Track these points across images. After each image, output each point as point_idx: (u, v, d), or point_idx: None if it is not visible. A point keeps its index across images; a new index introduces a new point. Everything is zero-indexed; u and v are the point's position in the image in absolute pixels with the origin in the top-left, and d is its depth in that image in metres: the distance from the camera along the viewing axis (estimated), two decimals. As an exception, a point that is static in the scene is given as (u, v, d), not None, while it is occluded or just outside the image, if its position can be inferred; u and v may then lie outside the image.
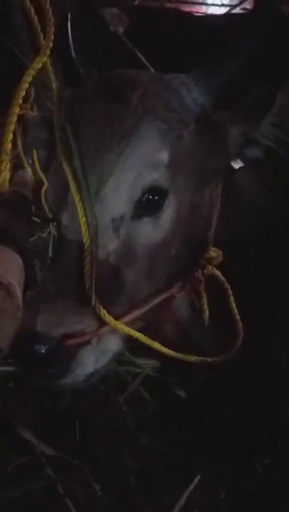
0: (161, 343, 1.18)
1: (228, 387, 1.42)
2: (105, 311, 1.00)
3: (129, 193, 1.00)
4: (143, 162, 0.99)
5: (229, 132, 1.12)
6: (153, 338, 1.15)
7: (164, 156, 1.02)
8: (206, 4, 10.89)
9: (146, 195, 1.02)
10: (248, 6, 9.43)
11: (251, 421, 1.46)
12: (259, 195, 1.29)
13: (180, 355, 1.18)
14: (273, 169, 1.19)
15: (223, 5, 10.72)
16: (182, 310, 1.27)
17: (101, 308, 0.99)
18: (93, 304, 0.98)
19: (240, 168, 1.16)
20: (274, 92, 1.08)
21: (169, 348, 1.20)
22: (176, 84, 1.08)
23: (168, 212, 1.06)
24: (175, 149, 1.04)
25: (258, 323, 1.30)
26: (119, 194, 0.99)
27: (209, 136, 1.10)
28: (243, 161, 1.14)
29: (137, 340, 1.09)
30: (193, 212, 1.12)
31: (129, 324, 1.05)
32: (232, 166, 1.15)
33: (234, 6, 9.65)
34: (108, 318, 1.00)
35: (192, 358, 1.20)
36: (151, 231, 1.05)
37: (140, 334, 1.09)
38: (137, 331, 1.09)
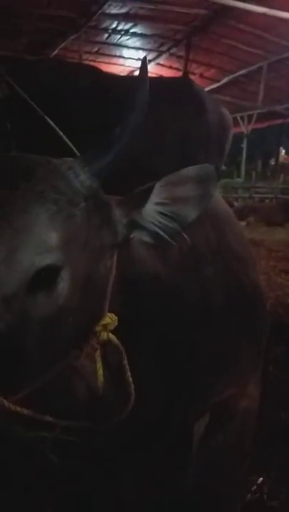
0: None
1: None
2: None
3: (20, 274, 1.02)
4: (34, 245, 1.02)
5: (114, 212, 1.17)
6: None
7: (54, 236, 1.05)
8: (123, 57, 14.35)
9: (39, 274, 1.04)
10: (162, 61, 13.13)
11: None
12: (153, 261, 1.35)
13: (69, 423, 1.21)
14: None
15: (139, 59, 14.27)
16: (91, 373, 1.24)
17: None
18: None
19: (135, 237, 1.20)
20: (150, 188, 1.16)
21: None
22: (64, 168, 1.12)
23: (62, 287, 1.08)
24: (66, 228, 1.07)
25: (156, 388, 1.35)
26: (9, 275, 1.01)
27: (98, 214, 1.15)
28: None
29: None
30: (88, 283, 1.15)
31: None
32: (127, 238, 1.19)
33: (149, 61, 13.26)
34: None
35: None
36: (45, 305, 1.07)
37: (30, 411, 1.11)
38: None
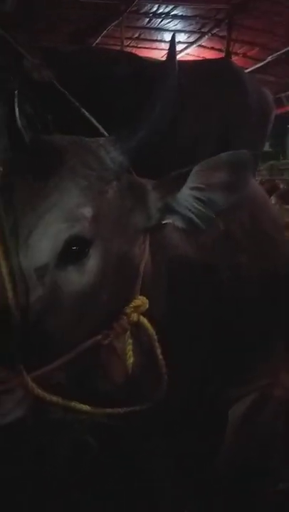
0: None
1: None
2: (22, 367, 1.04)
3: (51, 244, 1.06)
4: (64, 216, 1.06)
5: (149, 195, 1.19)
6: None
7: (85, 209, 1.09)
8: (165, 41, 14.13)
9: (69, 246, 1.07)
10: (204, 43, 12.83)
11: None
12: (186, 247, 1.37)
13: (98, 410, 1.21)
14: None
15: (179, 42, 14.01)
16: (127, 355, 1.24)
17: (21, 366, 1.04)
18: (16, 359, 1.03)
19: (168, 223, 1.21)
20: (187, 172, 1.16)
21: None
22: (94, 146, 1.16)
23: (93, 260, 1.11)
24: (98, 203, 1.11)
25: (191, 371, 1.36)
26: (41, 245, 1.06)
27: (132, 196, 1.18)
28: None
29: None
30: (120, 262, 1.16)
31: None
32: (160, 222, 1.20)
33: (191, 43, 13.06)
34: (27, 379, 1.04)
35: (108, 411, 1.23)
36: (76, 278, 1.09)
37: (56, 398, 1.13)
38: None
